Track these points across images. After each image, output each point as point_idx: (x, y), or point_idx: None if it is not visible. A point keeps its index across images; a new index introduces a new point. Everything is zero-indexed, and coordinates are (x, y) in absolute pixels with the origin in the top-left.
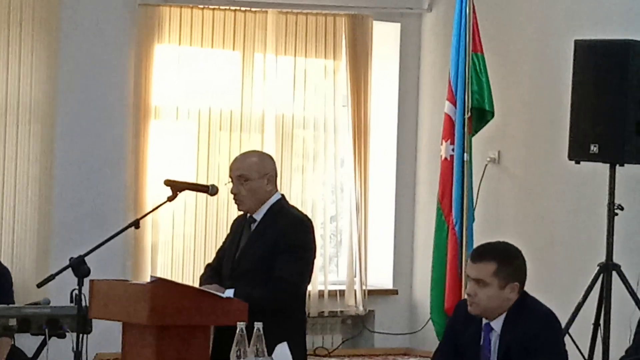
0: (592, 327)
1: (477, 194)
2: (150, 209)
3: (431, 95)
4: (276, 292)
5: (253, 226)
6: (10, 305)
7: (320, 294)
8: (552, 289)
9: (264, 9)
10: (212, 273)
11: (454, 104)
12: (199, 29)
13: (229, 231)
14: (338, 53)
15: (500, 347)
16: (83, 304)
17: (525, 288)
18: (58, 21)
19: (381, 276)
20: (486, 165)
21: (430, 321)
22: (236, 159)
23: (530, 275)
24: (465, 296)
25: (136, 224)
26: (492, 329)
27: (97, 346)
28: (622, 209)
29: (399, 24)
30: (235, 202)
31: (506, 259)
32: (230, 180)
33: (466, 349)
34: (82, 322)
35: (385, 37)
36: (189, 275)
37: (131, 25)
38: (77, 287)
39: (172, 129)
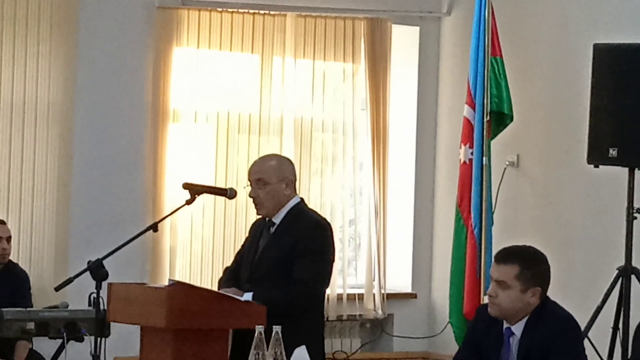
0: (611, 330)
1: (496, 197)
2: (169, 212)
3: (450, 99)
4: (295, 296)
5: (272, 229)
6: (29, 309)
7: (339, 297)
8: (570, 292)
9: (282, 12)
10: (231, 276)
11: (473, 107)
12: (218, 31)
13: (247, 234)
14: (357, 56)
15: (520, 352)
16: (101, 307)
17: None
18: (76, 24)
19: (400, 280)
20: (505, 168)
21: (449, 325)
22: (255, 163)
23: (550, 280)
24: (486, 299)
25: (154, 227)
26: (512, 333)
27: (115, 350)
28: None
29: (417, 28)
30: (255, 206)
31: (530, 263)
32: (249, 183)
33: (487, 353)
34: (100, 326)
35: (404, 40)
36: (208, 278)
37: (149, 28)
38: (95, 291)
39: (190, 132)
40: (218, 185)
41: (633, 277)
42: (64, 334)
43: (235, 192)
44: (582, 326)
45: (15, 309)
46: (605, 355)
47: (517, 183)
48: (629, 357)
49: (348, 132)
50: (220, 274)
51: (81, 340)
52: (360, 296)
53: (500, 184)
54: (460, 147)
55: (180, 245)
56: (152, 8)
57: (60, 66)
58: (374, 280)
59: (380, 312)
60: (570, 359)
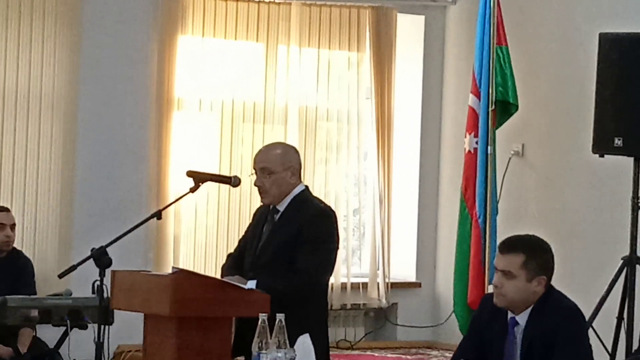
0: (615, 320)
1: (501, 186)
2: (173, 200)
3: (455, 88)
4: (298, 284)
5: (276, 217)
6: (32, 296)
7: (343, 286)
8: (575, 282)
9: (287, 1)
10: (234, 263)
11: (478, 96)
12: (223, 20)
13: (251, 220)
14: (362, 45)
15: (524, 341)
16: (105, 295)
17: None
18: (80, 12)
19: (404, 269)
20: (510, 158)
21: (453, 314)
22: (260, 151)
23: (554, 268)
24: (490, 289)
25: (158, 215)
26: (517, 322)
27: (119, 337)
28: None
29: (423, 17)
30: (260, 194)
31: (535, 252)
32: (253, 172)
33: (492, 343)
34: (103, 313)
35: (409, 29)
36: (211, 266)
37: (154, 17)
38: (98, 278)
39: (195, 120)
40: (222, 174)
41: (638, 266)
42: (68, 321)
43: (240, 180)
44: (587, 316)
45: (18, 297)
46: (609, 345)
47: (522, 172)
48: (635, 349)
49: (353, 121)
50: (224, 262)
51: (85, 327)
52: (365, 285)
53: (505, 174)
54: (465, 136)
55: (184, 233)
56: None
57: (64, 54)
58: (378, 270)
59: (384, 301)
60: (575, 349)
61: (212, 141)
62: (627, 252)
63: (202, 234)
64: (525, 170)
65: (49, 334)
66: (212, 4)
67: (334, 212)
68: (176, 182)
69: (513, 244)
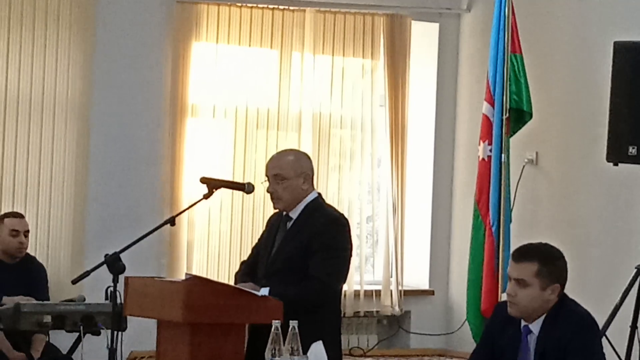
0: (629, 329)
1: (515, 194)
2: (186, 207)
3: (469, 96)
4: (311, 291)
5: (289, 224)
6: (45, 302)
7: (356, 293)
8: (589, 290)
9: (302, 8)
10: (247, 270)
11: (492, 104)
12: (237, 26)
13: (264, 227)
14: (376, 52)
15: (538, 350)
16: (118, 301)
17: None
18: (95, 18)
19: (417, 276)
20: (524, 166)
21: (466, 322)
22: (272, 158)
23: (568, 276)
24: (504, 297)
25: (172, 221)
26: (530, 331)
27: (132, 344)
28: None
29: (437, 24)
30: (272, 201)
31: (548, 260)
32: (266, 179)
33: (504, 351)
34: (117, 319)
35: (424, 37)
36: (225, 273)
37: (168, 23)
38: (112, 284)
39: (208, 126)
40: (236, 180)
41: None
42: (81, 327)
43: (253, 187)
44: (600, 324)
45: (32, 302)
46: (623, 354)
47: (535, 180)
48: None
49: (366, 129)
50: (237, 269)
51: (98, 333)
52: (378, 293)
53: (518, 182)
54: (479, 144)
55: (197, 240)
56: (171, 3)
57: (78, 61)
58: (391, 277)
59: (397, 308)
60: (588, 357)
61: (226, 148)
62: None
63: (216, 241)
64: (539, 178)
65: (62, 339)
66: (226, 10)
67: (347, 220)
68: (190, 189)
69: (527, 253)
